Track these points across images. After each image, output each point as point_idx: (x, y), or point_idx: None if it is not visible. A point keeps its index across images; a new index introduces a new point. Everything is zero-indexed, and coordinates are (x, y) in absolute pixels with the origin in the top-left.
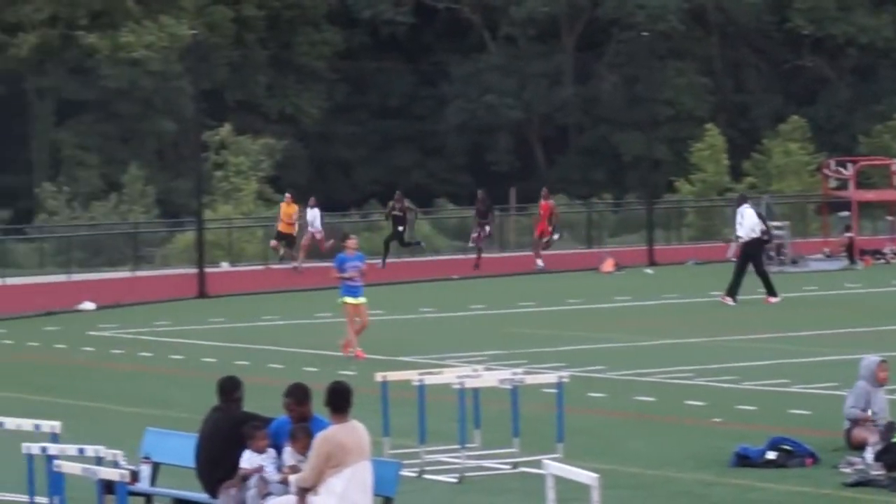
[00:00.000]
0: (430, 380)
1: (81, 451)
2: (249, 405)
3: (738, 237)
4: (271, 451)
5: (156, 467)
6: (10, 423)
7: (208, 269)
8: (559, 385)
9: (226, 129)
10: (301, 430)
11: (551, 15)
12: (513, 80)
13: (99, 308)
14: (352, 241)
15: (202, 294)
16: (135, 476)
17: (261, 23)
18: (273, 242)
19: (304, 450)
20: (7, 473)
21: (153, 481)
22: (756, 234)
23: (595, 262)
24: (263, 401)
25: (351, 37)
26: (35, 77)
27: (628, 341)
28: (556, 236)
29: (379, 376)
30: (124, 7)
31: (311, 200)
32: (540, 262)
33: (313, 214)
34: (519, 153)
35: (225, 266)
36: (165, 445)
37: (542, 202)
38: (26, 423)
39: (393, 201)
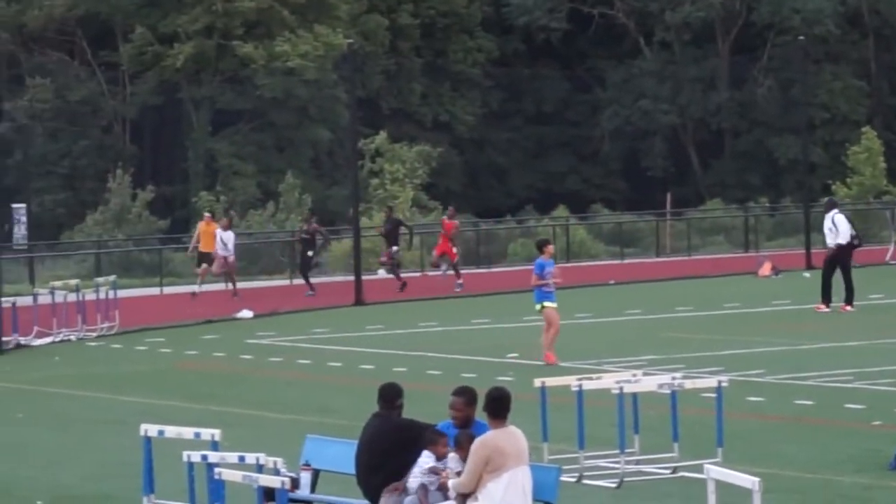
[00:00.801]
0: (588, 385)
1: (242, 458)
2: (408, 411)
3: (838, 243)
4: (452, 456)
5: (316, 474)
6: (171, 431)
7: (365, 277)
8: (718, 389)
9: (381, 137)
10: (466, 436)
11: (706, 20)
12: (667, 85)
13: (256, 316)
14: (549, 247)
15: (359, 301)
16: (295, 483)
17: (415, 31)
18: (202, 267)
19: (441, 451)
20: (168, 481)
21: (313, 488)
22: (847, 240)
23: (752, 265)
24: (422, 407)
25: (505, 44)
26: (191, 87)
27: (787, 345)
28: (443, 268)
29: (538, 382)
30: (280, 17)
31: (223, 222)
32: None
33: (226, 237)
34: (674, 158)
35: (381, 273)
36: (325, 452)
37: (445, 220)
38: (187, 432)
39: (302, 222)
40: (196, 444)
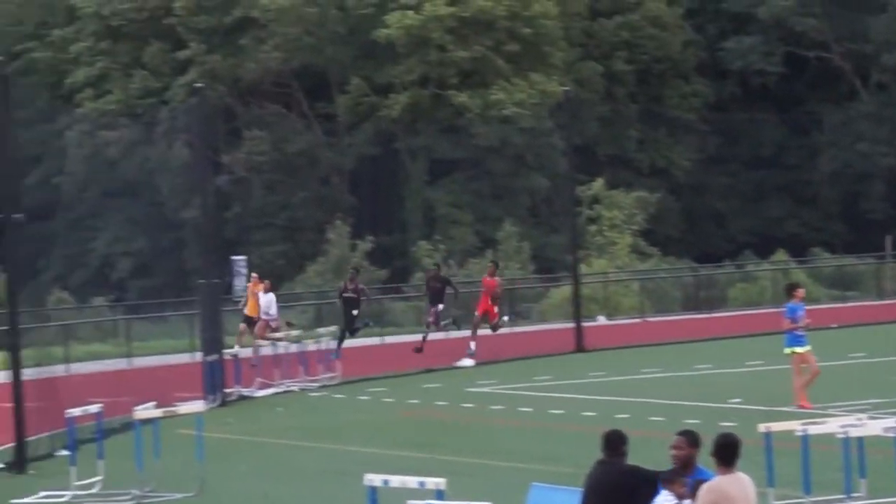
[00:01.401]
0: (813, 429)
1: None
2: (631, 458)
3: None
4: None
5: None
6: (396, 480)
7: (585, 323)
8: None
9: (598, 184)
10: (677, 473)
11: None
12: (886, 127)
13: (478, 364)
14: (800, 291)
15: (580, 348)
16: None
17: (630, 77)
18: (241, 326)
19: (679, 491)
20: None
21: None
22: None
23: None
24: (645, 454)
25: (721, 88)
26: (407, 137)
27: None
28: (505, 318)
29: (762, 427)
30: (494, 65)
31: (266, 285)
32: (472, 346)
33: (268, 300)
34: (894, 200)
35: (602, 320)
36: (551, 500)
37: (486, 278)
38: (411, 481)
39: (345, 281)
40: (421, 493)
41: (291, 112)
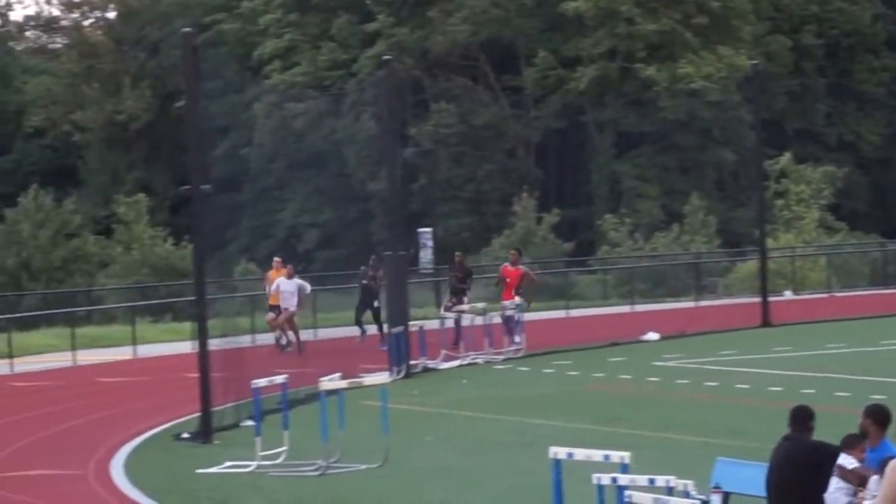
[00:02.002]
0: None
1: (652, 481)
2: (816, 434)
3: None
4: (875, 479)
5: (726, 497)
6: (580, 453)
7: (771, 298)
8: None
9: (785, 158)
10: (857, 438)
11: None
12: None
13: (663, 338)
14: None
15: (766, 323)
16: None
17: (819, 51)
18: (269, 316)
19: (859, 457)
20: (577, 503)
21: None
22: None
23: None
24: (830, 429)
25: None
26: (594, 110)
27: None
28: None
29: None
30: (682, 39)
31: (289, 270)
32: (516, 339)
33: (291, 286)
34: None
35: (788, 295)
36: (736, 475)
37: (507, 266)
38: (596, 454)
39: (367, 267)
40: (605, 466)
41: (478, 85)
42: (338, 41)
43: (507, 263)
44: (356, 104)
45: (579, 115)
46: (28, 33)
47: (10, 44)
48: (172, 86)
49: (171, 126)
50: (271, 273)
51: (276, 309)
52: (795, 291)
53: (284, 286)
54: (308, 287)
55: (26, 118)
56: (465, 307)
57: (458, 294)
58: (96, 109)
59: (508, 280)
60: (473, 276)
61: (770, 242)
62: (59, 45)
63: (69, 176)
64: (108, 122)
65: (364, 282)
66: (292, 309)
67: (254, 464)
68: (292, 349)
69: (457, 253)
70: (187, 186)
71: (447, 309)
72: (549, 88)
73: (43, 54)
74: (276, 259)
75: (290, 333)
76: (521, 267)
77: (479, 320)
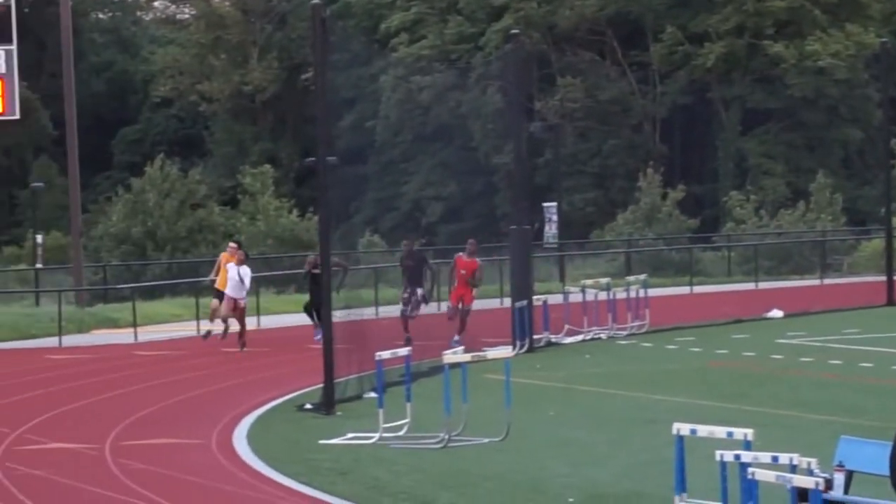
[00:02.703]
0: None
1: (775, 458)
2: None
3: None
4: None
5: (850, 476)
6: (703, 430)
7: None
8: None
9: None
10: None
11: None
12: None
13: (787, 316)
14: None
15: (891, 302)
16: (829, 484)
17: None
18: (213, 302)
19: None
20: (700, 480)
21: (847, 489)
22: None
23: None
24: None
25: None
26: (721, 87)
27: None
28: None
29: None
30: (811, 16)
31: (240, 255)
32: (457, 338)
33: (238, 276)
34: None
35: None
36: (860, 454)
37: (462, 257)
38: (719, 431)
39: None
40: (728, 443)
41: (605, 60)
42: (465, 14)
43: (461, 254)
44: (482, 78)
45: (706, 91)
46: (156, 3)
47: (139, 14)
48: (300, 57)
49: (298, 98)
50: (224, 256)
51: (221, 295)
52: None
53: (234, 272)
54: (250, 275)
55: (153, 88)
56: (588, 282)
57: (414, 284)
58: (223, 80)
59: (464, 272)
60: (430, 263)
61: None
62: (186, 16)
63: (195, 146)
64: (234, 92)
65: (314, 272)
66: (243, 302)
67: (376, 435)
68: (224, 338)
69: (404, 241)
70: (313, 158)
71: (404, 302)
72: (676, 64)
73: (171, 25)
74: (232, 244)
75: (227, 323)
76: (477, 259)
77: (602, 295)
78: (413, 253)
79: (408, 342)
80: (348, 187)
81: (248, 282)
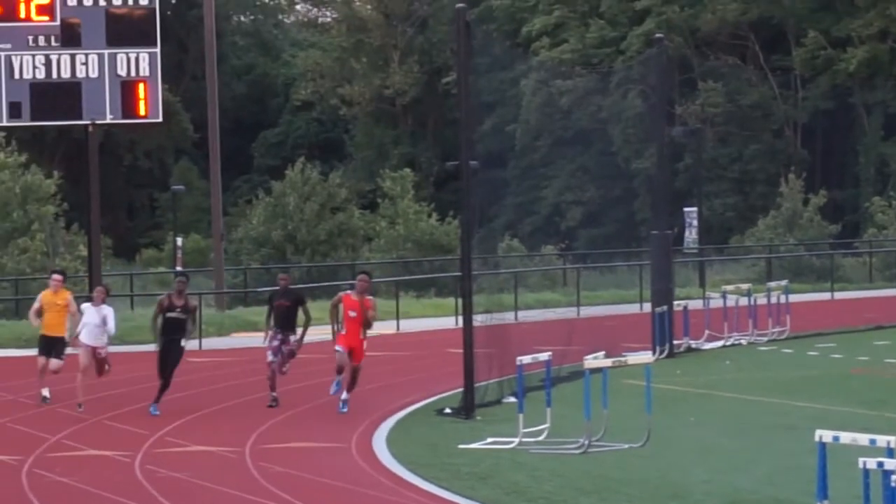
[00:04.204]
0: None
1: None
2: None
3: None
4: None
5: None
6: (846, 437)
7: None
8: None
9: None
10: None
11: None
12: None
13: None
14: None
15: None
16: None
17: None
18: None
19: None
20: (842, 487)
21: None
22: None
23: None
24: None
25: None
26: (863, 91)
27: None
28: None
29: None
30: None
31: (98, 292)
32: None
33: (99, 316)
34: None
35: None
36: None
37: (350, 296)
38: (861, 438)
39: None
40: (871, 450)
41: (747, 64)
42: (606, 18)
43: (349, 292)
44: (623, 82)
45: (847, 96)
46: (298, 6)
47: (280, 17)
48: (440, 61)
49: (438, 101)
50: (45, 295)
51: (53, 345)
52: None
53: (90, 317)
54: (113, 316)
55: (294, 91)
56: (729, 287)
57: (286, 329)
58: (364, 83)
59: (353, 314)
60: (305, 302)
61: None
62: (328, 19)
63: (335, 149)
64: (375, 96)
65: (169, 315)
66: (104, 351)
67: (516, 440)
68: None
69: (280, 275)
70: (455, 161)
71: (273, 351)
72: (818, 69)
73: (312, 28)
74: (56, 276)
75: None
76: (369, 297)
77: (742, 301)
78: (289, 291)
79: (274, 402)
80: (488, 191)
81: (112, 324)
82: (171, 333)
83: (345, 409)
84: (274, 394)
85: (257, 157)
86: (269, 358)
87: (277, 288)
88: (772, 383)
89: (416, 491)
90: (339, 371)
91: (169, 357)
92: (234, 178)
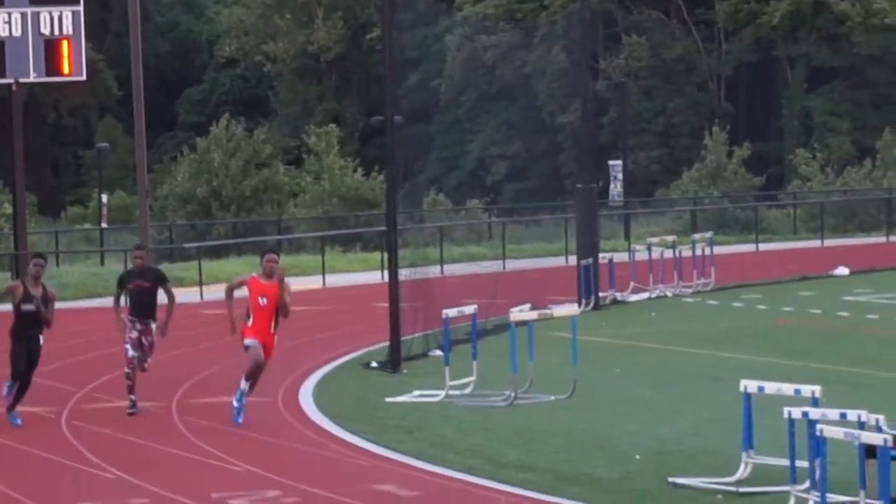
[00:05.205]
0: None
1: (843, 415)
2: None
3: None
4: None
5: None
6: (771, 387)
7: None
8: None
9: None
10: None
11: None
12: None
13: (853, 273)
14: None
15: None
16: None
17: None
18: None
19: None
20: (766, 437)
21: None
22: None
23: None
24: None
25: None
26: (787, 45)
27: None
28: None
29: None
30: None
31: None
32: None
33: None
34: None
35: None
36: None
37: (257, 279)
38: (787, 388)
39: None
40: (796, 400)
41: (671, 18)
42: None
43: (256, 275)
44: (547, 37)
45: (771, 49)
46: None
47: None
48: (365, 17)
49: (363, 57)
50: None
51: None
52: None
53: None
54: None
55: (218, 48)
56: (654, 240)
57: (146, 315)
58: (288, 40)
59: (265, 301)
60: (168, 281)
61: None
62: None
63: (260, 106)
64: (299, 52)
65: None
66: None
67: (442, 393)
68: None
69: (136, 252)
70: (379, 117)
71: (133, 344)
72: (742, 22)
73: None
74: None
75: None
76: (281, 279)
77: (667, 253)
78: (147, 270)
79: (133, 409)
80: (413, 146)
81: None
82: (28, 328)
83: (240, 420)
84: (133, 397)
85: (182, 114)
86: (130, 353)
87: (131, 267)
88: (697, 335)
89: (343, 444)
90: (251, 375)
91: (28, 357)
92: (159, 135)
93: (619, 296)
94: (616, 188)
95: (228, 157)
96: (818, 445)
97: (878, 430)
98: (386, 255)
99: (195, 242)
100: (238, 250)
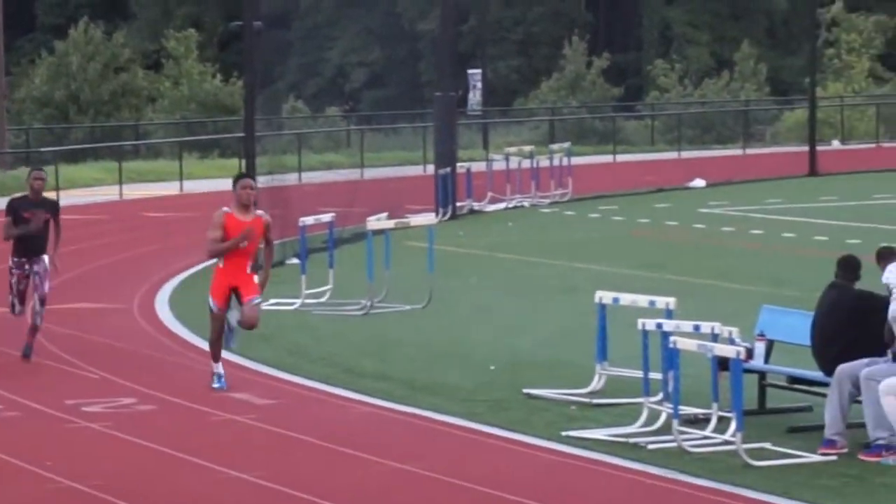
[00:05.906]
0: None
1: (697, 327)
2: (861, 285)
3: None
4: None
5: (770, 345)
6: (626, 298)
7: (819, 148)
8: None
9: (837, 7)
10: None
11: None
12: None
13: (709, 185)
14: None
15: (813, 172)
16: (749, 353)
17: None
18: None
19: None
20: (621, 348)
21: (767, 358)
22: None
23: None
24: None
25: None
26: None
27: None
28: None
29: None
30: None
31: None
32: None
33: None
34: None
35: (836, 144)
36: (780, 323)
37: (235, 215)
38: (641, 299)
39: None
40: (651, 311)
41: None
42: None
43: (229, 208)
44: None
45: None
46: None
47: None
48: None
49: None
50: None
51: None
52: (843, 141)
53: None
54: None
55: None
56: (512, 150)
57: (35, 252)
58: None
59: (247, 240)
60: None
61: (819, 91)
62: None
63: (119, 9)
64: None
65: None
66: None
67: (298, 301)
68: None
69: (35, 174)
70: (238, 22)
71: (18, 296)
72: None
73: None
74: None
75: None
76: (262, 214)
77: (525, 163)
78: (43, 200)
79: (25, 354)
80: (272, 52)
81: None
82: None
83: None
84: (29, 342)
85: (41, 16)
86: (17, 308)
87: (25, 194)
88: (553, 245)
89: (199, 352)
90: (215, 339)
91: None
92: (17, 38)
93: (476, 205)
94: (475, 97)
95: (87, 60)
96: (672, 357)
97: (732, 342)
98: (244, 162)
99: (52, 147)
100: (95, 155)
